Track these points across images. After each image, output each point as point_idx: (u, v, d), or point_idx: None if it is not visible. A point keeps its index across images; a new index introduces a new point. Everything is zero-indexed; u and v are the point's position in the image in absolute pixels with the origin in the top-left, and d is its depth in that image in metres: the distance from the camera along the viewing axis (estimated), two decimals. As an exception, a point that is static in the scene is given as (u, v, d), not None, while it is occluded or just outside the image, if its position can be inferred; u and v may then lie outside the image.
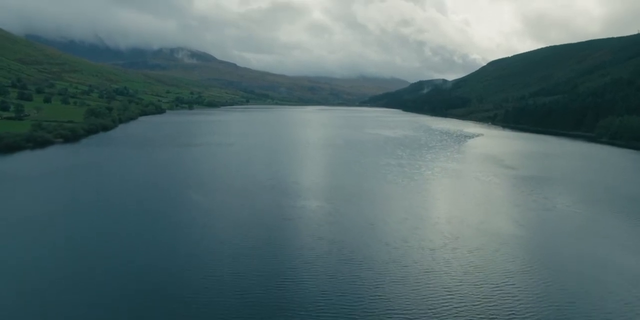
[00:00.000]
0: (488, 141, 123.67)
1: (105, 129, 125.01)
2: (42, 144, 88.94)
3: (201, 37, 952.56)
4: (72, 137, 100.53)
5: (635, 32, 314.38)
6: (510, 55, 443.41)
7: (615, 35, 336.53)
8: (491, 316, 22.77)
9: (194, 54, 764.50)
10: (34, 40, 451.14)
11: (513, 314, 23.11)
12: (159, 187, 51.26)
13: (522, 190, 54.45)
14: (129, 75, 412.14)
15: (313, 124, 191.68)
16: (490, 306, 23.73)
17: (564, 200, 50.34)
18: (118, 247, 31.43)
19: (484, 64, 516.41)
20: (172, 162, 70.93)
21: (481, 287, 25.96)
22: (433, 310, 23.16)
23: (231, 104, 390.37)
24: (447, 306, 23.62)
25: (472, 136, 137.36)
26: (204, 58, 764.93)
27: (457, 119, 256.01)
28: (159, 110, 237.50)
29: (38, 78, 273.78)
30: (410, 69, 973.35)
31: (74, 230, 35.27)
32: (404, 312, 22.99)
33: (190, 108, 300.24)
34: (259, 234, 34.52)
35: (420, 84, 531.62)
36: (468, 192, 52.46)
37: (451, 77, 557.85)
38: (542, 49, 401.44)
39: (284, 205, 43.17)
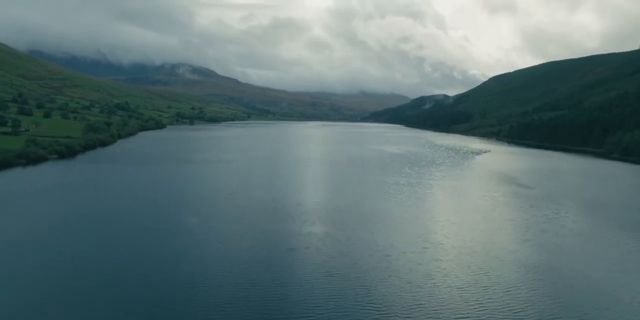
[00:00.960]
0: (496, 158, 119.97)
1: (103, 144, 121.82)
2: (35, 160, 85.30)
3: (203, 53, 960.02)
4: (67, 153, 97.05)
5: (635, 48, 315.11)
6: (510, 70, 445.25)
7: (613, 51, 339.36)
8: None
9: (196, 70, 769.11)
10: (37, 55, 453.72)
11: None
12: (150, 209, 47.25)
13: (545, 213, 50.28)
14: (130, 91, 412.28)
15: (315, 139, 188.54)
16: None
17: (592, 224, 46.21)
18: (97, 285, 27.37)
19: (484, 79, 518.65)
20: (167, 180, 67.03)
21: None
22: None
23: (232, 120, 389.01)
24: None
25: (479, 152, 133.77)
26: (205, 73, 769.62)
27: (460, 134, 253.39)
28: (159, 126, 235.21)
29: (39, 93, 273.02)
30: (410, 84, 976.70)
31: (56, 251, 31.63)
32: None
33: (191, 123, 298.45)
34: (260, 268, 30.29)
35: (422, 100, 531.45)
36: (488, 216, 48.24)
37: (451, 92, 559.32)
38: (543, 64, 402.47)
39: (287, 232, 39.01)
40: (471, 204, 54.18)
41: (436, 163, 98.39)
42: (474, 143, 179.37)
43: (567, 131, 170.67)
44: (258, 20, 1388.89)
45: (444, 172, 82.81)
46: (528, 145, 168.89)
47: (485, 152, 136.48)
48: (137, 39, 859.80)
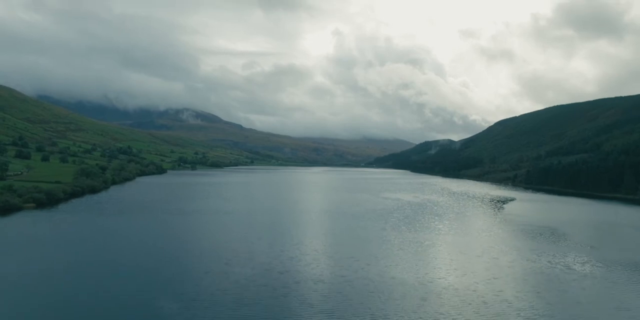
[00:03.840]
0: (527, 207, 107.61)
1: (94, 190, 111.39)
2: (7, 210, 74.48)
3: (206, 98, 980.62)
4: (47, 201, 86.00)
5: (632, 92, 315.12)
6: (510, 116, 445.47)
7: (610, 96, 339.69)
8: None
9: (199, 115, 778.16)
10: (44, 100, 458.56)
11: None
12: (116, 281, 34.98)
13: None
14: (134, 135, 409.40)
15: (322, 186, 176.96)
16: None
17: None
18: None
19: (485, 124, 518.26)
20: (150, 240, 54.65)
21: None
22: None
23: (235, 165, 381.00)
24: None
25: (504, 200, 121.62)
26: (209, 119, 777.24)
27: (472, 180, 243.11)
28: (160, 171, 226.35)
29: (42, 136, 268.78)
30: (412, 130, 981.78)
31: None
32: None
33: (193, 168, 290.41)
34: None
35: (427, 145, 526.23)
36: (586, 303, 34.57)
37: (453, 137, 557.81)
38: (549, 108, 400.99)
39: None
40: (546, 278, 40.56)
41: (466, 215, 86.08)
42: (491, 189, 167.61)
43: (592, 176, 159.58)
44: (260, 67, 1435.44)
45: (481, 227, 70.38)
46: (551, 192, 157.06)
47: (510, 200, 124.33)
48: (142, 85, 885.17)
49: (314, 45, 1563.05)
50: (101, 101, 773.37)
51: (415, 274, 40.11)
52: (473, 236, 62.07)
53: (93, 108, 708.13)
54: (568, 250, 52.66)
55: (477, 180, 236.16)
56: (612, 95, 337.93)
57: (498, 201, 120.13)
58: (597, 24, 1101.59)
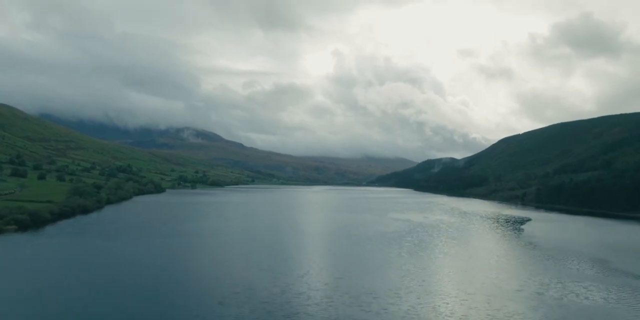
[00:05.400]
0: (548, 228, 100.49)
1: (85, 211, 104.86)
2: (-16, 233, 68.21)
3: (207, 117, 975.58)
4: (31, 222, 79.46)
5: (630, 110, 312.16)
6: (510, 134, 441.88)
7: (609, 113, 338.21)
8: None
9: (200, 134, 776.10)
10: (46, 119, 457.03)
11: None
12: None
13: None
14: (135, 154, 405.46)
15: (325, 206, 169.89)
16: None
17: None
18: None
19: (485, 142, 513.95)
20: (135, 268, 47.93)
21: None
22: None
23: (236, 184, 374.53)
24: None
25: (520, 221, 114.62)
26: (210, 138, 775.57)
27: (479, 198, 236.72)
28: (159, 189, 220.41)
29: (41, 155, 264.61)
30: (412, 148, 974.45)
31: None
32: None
33: (193, 187, 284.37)
34: None
35: (429, 163, 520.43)
36: None
37: (454, 155, 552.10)
38: (553, 125, 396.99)
39: None
40: None
41: (485, 238, 79.19)
42: (502, 209, 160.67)
43: (608, 195, 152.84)
44: (261, 86, 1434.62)
45: (507, 253, 63.36)
46: (565, 211, 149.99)
47: (526, 220, 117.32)
48: (143, 104, 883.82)
49: (314, 65, 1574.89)
50: (102, 120, 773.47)
51: (451, 317, 33.18)
52: (502, 264, 55.08)
53: (94, 127, 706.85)
54: (620, 282, 45.57)
55: (485, 199, 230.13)
56: (611, 113, 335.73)
57: (514, 222, 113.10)
58: (594, 43, 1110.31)
